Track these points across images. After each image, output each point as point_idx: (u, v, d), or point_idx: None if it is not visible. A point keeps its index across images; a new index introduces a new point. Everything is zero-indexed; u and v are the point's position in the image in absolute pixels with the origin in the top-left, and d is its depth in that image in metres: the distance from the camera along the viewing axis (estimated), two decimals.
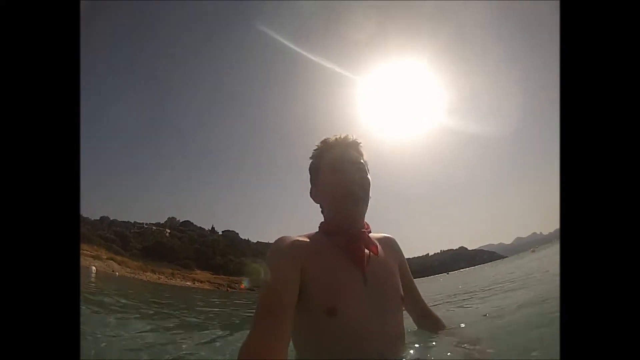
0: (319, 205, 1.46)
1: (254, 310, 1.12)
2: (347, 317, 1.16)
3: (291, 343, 1.22)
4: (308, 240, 1.29)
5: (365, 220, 1.40)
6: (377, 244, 1.37)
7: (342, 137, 1.43)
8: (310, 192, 1.49)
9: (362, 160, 1.40)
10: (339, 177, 1.33)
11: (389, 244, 1.50)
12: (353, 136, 1.43)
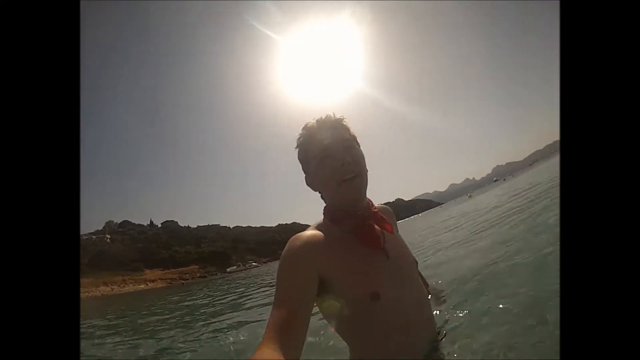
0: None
1: (204, 298, 1.27)
2: (389, 297, 1.15)
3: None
4: (320, 235, 1.24)
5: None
6: (389, 220, 1.34)
7: (323, 118, 1.35)
8: (306, 181, 1.42)
9: (349, 136, 1.33)
10: (330, 162, 1.27)
11: (389, 215, 1.47)
12: (334, 114, 1.37)
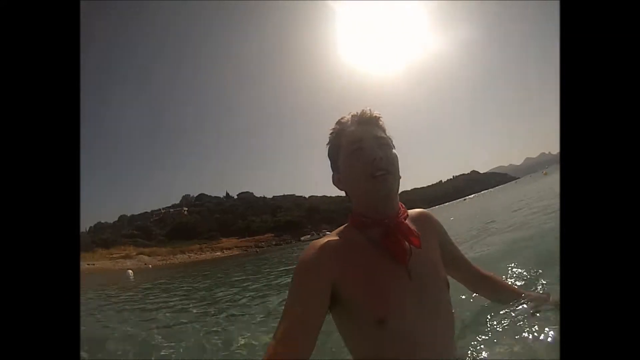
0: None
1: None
2: (397, 323, 1.10)
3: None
4: (341, 242, 1.20)
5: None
6: (417, 232, 1.23)
7: (358, 113, 1.29)
8: (333, 180, 1.36)
9: (384, 135, 1.26)
10: (361, 155, 1.21)
11: (426, 221, 1.38)
12: (371, 111, 1.30)
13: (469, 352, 1.21)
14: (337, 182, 1.34)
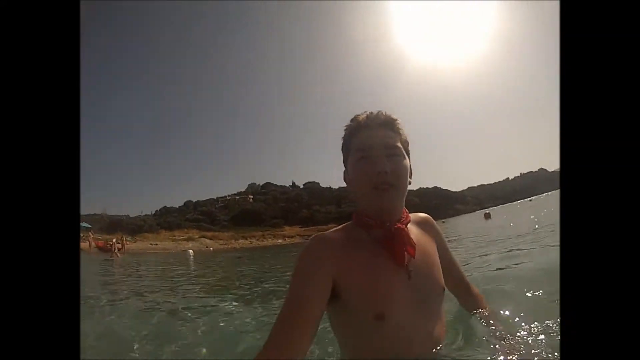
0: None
1: None
2: (395, 320, 1.11)
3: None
4: (344, 237, 1.22)
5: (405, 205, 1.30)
6: (415, 239, 1.24)
7: (374, 114, 1.25)
8: (344, 175, 1.35)
9: (397, 144, 1.23)
10: (368, 165, 1.19)
11: (427, 226, 1.41)
12: (386, 113, 1.26)
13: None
14: (346, 178, 1.33)
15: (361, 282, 1.13)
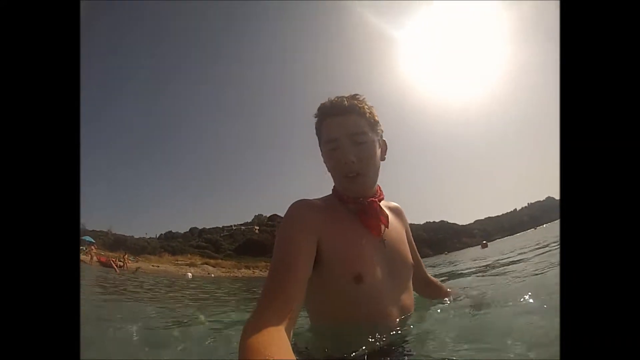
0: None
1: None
2: (372, 283, 1.18)
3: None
4: (325, 205, 1.28)
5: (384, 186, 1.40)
6: (388, 213, 1.36)
7: (337, 101, 1.28)
8: (322, 158, 1.39)
9: (363, 128, 1.26)
10: (335, 155, 1.27)
11: (398, 213, 1.53)
12: (350, 99, 1.28)
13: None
14: (324, 160, 1.38)
15: (342, 245, 1.20)
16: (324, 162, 1.37)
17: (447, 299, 1.63)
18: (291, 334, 0.94)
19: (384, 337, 1.16)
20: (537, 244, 8.31)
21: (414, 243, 1.58)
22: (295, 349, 1.24)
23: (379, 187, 1.37)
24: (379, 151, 1.33)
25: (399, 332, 1.21)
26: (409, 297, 1.35)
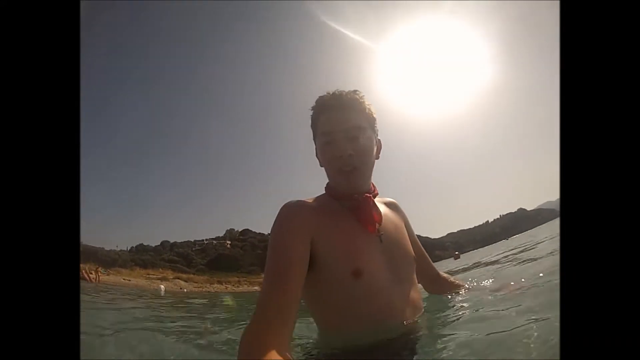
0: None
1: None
2: (372, 278, 1.16)
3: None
4: (317, 204, 1.26)
5: (376, 183, 1.38)
6: (381, 210, 1.33)
7: (337, 95, 1.28)
8: (316, 152, 1.38)
9: (361, 124, 1.26)
10: (331, 149, 1.25)
11: (394, 207, 1.50)
12: (350, 92, 1.29)
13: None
14: (316, 154, 1.38)
15: (338, 242, 1.18)
16: (318, 156, 1.36)
17: (461, 290, 1.60)
18: (289, 343, 0.94)
19: (392, 333, 1.14)
20: (511, 249, 8.57)
21: (415, 237, 1.54)
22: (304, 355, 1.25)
23: (373, 184, 1.36)
24: (375, 148, 1.32)
25: (408, 326, 1.18)
26: (415, 291, 1.31)
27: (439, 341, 1.15)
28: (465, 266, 7.63)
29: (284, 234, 1.14)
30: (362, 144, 1.24)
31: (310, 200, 1.28)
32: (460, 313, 1.37)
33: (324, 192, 1.38)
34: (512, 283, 1.57)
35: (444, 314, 1.39)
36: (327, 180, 1.38)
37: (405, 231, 1.44)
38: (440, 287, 1.63)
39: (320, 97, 1.31)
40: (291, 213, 1.19)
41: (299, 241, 1.12)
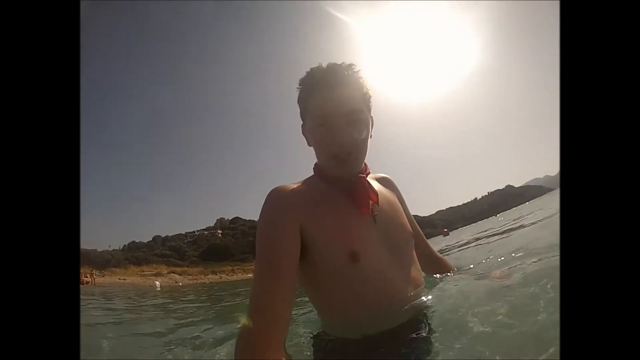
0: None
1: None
2: (370, 259, 1.11)
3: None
4: (305, 188, 1.21)
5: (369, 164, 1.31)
6: (376, 189, 1.24)
7: (332, 70, 1.14)
8: (302, 129, 1.29)
9: (359, 105, 1.16)
10: (327, 133, 1.14)
11: (388, 183, 1.44)
12: (346, 67, 1.16)
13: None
14: (304, 133, 1.28)
15: (330, 225, 1.12)
16: (306, 134, 1.26)
17: (451, 272, 1.57)
18: (285, 339, 0.93)
19: (394, 313, 1.11)
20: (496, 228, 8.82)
21: (410, 214, 1.48)
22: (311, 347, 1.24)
23: (365, 163, 1.26)
24: (371, 129, 1.23)
25: (412, 306, 1.15)
26: (415, 269, 1.26)
27: (443, 320, 1.14)
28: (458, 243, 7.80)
29: (272, 223, 1.10)
30: (359, 128, 1.15)
31: (298, 184, 1.22)
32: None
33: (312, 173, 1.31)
34: (497, 272, 1.56)
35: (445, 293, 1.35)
36: (315, 160, 1.29)
37: (400, 207, 1.38)
38: (435, 268, 1.58)
39: (311, 70, 1.18)
40: (277, 201, 1.14)
41: (288, 231, 1.07)
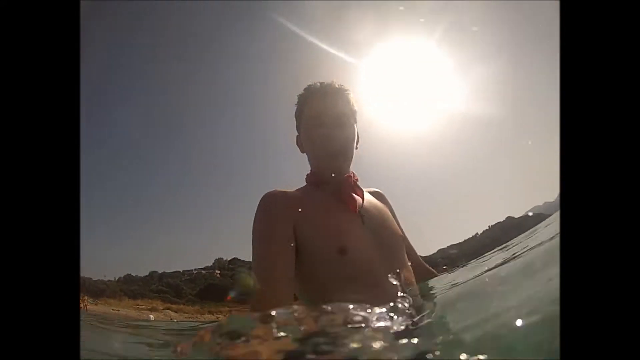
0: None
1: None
2: (358, 254, 1.16)
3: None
4: (298, 192, 1.29)
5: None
6: (365, 197, 1.33)
7: (327, 83, 1.34)
8: (296, 140, 1.44)
9: (347, 112, 1.34)
10: (319, 132, 1.30)
11: (379, 196, 1.51)
12: (338, 83, 1.35)
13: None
14: (299, 143, 1.43)
15: (320, 223, 1.19)
16: (301, 141, 1.41)
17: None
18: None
19: (383, 307, 1.07)
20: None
21: (400, 226, 1.50)
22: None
23: (353, 172, 1.37)
24: (356, 141, 1.37)
25: (402, 300, 1.11)
26: (406, 270, 1.29)
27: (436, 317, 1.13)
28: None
29: (266, 227, 1.16)
30: (347, 131, 1.31)
31: (291, 189, 1.30)
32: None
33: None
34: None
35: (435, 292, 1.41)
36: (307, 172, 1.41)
37: (390, 215, 1.44)
38: (422, 276, 1.58)
39: (310, 85, 1.36)
40: (271, 203, 1.21)
41: (281, 232, 1.13)
